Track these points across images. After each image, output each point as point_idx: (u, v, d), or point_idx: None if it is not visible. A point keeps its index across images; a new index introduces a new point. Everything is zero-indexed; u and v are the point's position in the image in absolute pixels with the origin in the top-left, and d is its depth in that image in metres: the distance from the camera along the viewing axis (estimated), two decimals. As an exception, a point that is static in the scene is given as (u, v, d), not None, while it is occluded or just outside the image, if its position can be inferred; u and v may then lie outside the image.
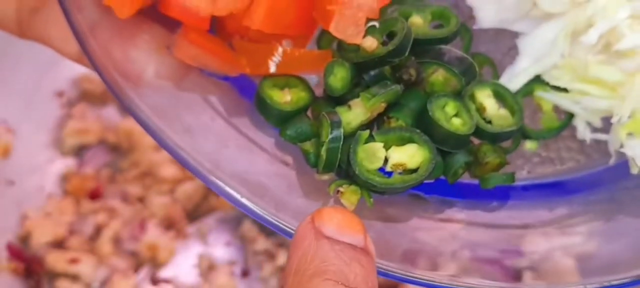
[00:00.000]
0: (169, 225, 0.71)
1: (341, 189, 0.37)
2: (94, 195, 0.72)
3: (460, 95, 0.40)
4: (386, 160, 0.37)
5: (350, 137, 0.37)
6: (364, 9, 0.38)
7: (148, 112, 0.36)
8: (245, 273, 0.70)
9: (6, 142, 0.70)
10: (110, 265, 0.68)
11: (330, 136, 0.36)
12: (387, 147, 0.37)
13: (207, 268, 0.70)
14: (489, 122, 0.41)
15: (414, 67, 0.39)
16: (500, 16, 0.45)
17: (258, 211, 0.35)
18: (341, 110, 0.38)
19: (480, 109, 0.41)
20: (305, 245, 0.30)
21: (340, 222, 0.31)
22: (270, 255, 0.70)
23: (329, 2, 0.38)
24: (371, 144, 0.37)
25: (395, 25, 0.39)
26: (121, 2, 0.36)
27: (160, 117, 0.37)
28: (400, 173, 0.37)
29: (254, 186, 0.36)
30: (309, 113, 0.40)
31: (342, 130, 0.37)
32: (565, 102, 0.43)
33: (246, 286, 0.69)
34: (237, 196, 0.36)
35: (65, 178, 0.73)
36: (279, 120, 0.39)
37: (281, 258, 0.69)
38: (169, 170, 0.72)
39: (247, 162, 0.38)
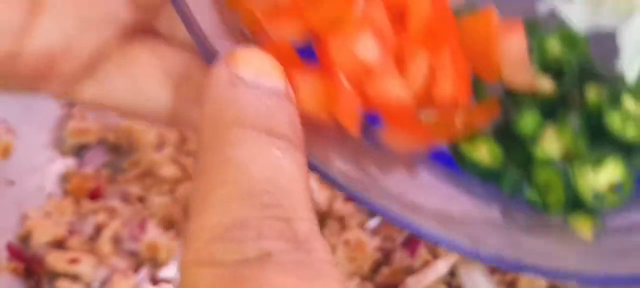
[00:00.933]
0: (169, 225, 0.71)
1: (577, 221, 0.38)
2: (94, 195, 0.72)
3: (618, 103, 0.41)
4: (594, 183, 0.39)
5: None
6: (524, 51, 0.39)
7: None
8: (245, 274, 0.70)
9: (6, 142, 0.70)
10: (110, 265, 0.68)
11: (563, 180, 0.38)
12: (593, 171, 0.39)
13: (207, 268, 0.70)
14: None
15: (580, 93, 0.40)
16: (594, 19, 0.45)
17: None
18: (537, 150, 0.39)
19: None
20: (220, 91, 0.27)
21: (258, 65, 0.28)
22: (271, 255, 0.70)
23: (491, 57, 0.39)
24: (585, 173, 0.39)
25: (556, 60, 0.41)
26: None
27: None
28: (610, 192, 0.39)
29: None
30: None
31: (566, 169, 0.38)
32: None
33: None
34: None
35: (65, 178, 0.73)
36: (488, 177, 0.40)
37: (281, 258, 0.69)
38: (169, 170, 0.72)
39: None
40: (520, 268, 0.36)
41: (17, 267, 0.68)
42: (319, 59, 0.36)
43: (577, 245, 0.38)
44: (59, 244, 0.69)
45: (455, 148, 0.40)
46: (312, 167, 0.32)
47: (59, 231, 0.69)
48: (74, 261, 0.68)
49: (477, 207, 0.39)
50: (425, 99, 0.38)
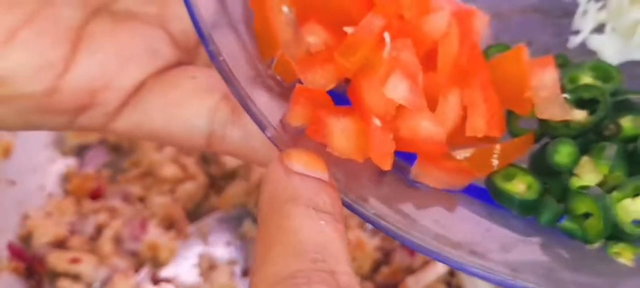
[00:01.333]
0: (169, 225, 0.71)
1: (617, 250, 0.39)
2: (95, 195, 0.72)
3: None
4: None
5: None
6: (556, 84, 0.40)
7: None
8: (245, 273, 0.70)
9: (7, 142, 0.70)
10: (111, 265, 0.69)
11: (601, 209, 0.38)
12: (632, 200, 0.40)
13: (208, 268, 0.70)
14: None
15: (615, 123, 0.41)
16: (626, 51, 0.46)
17: None
18: (573, 181, 0.40)
19: None
20: (277, 179, 0.33)
21: (307, 161, 0.34)
22: (271, 255, 0.70)
23: (522, 92, 0.39)
24: (623, 202, 0.39)
25: (589, 91, 0.41)
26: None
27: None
28: None
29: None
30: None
31: (604, 199, 0.39)
32: None
33: (247, 286, 0.69)
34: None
35: (66, 178, 0.73)
36: (525, 209, 0.40)
37: (282, 258, 0.69)
38: (170, 169, 0.73)
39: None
40: None
41: (18, 266, 0.68)
42: (351, 102, 0.37)
43: (617, 274, 0.38)
44: (60, 244, 0.69)
45: (490, 182, 0.40)
46: (350, 208, 0.35)
47: (60, 231, 0.69)
48: (74, 261, 0.68)
49: (515, 240, 0.39)
50: (458, 135, 0.39)
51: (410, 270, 0.69)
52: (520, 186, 0.40)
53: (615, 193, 0.39)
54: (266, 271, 0.31)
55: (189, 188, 0.72)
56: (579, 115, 0.41)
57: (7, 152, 0.71)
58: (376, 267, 0.70)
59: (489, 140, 0.40)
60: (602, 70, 0.43)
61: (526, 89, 0.39)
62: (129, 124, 0.39)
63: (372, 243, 0.69)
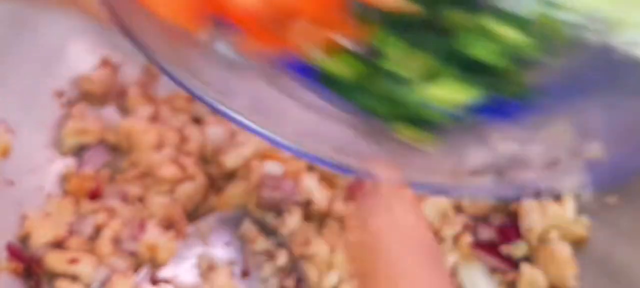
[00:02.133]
0: (168, 225, 0.71)
1: (402, 129, 0.41)
2: (94, 195, 0.72)
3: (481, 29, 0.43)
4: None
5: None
6: None
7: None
8: (245, 274, 0.70)
9: (5, 142, 0.70)
10: (110, 266, 0.68)
11: (396, 94, 0.41)
12: (432, 87, 0.41)
13: (207, 268, 0.70)
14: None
15: (446, 16, 0.42)
16: None
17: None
18: (388, 64, 0.42)
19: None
20: None
21: None
22: (270, 255, 0.70)
23: None
24: (420, 87, 0.41)
25: None
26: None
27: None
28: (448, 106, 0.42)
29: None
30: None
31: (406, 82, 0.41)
32: None
33: (246, 286, 0.69)
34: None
35: (64, 178, 0.73)
36: (345, 90, 0.42)
37: (281, 258, 0.69)
38: (169, 170, 0.72)
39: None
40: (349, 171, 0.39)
41: (16, 267, 0.68)
42: None
43: (408, 149, 0.41)
44: (59, 244, 0.69)
45: (311, 59, 0.41)
46: (168, 75, 0.37)
47: (59, 231, 0.69)
48: (73, 261, 0.68)
49: (323, 114, 0.41)
50: (285, 9, 0.40)
51: (410, 271, 0.69)
52: (340, 66, 0.41)
53: (415, 80, 0.41)
54: None
55: (188, 188, 0.72)
56: (408, 7, 0.42)
57: (5, 153, 0.70)
58: (376, 267, 0.69)
59: (314, 19, 0.41)
60: None
61: None
62: None
63: (371, 243, 0.69)
